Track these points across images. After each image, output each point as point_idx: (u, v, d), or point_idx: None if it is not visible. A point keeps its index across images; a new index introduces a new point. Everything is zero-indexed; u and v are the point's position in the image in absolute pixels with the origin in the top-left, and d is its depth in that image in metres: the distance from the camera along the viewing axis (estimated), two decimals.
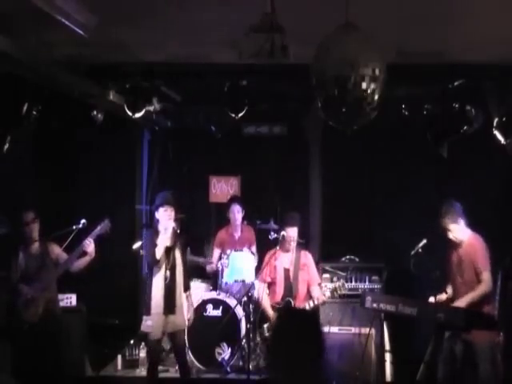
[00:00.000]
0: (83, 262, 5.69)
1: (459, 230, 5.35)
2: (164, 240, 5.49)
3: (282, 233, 6.14)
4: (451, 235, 5.36)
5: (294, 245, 6.23)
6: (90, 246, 5.63)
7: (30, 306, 5.54)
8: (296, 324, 2.41)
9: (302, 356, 2.30)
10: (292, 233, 6.15)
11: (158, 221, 5.58)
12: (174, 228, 5.56)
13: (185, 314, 5.66)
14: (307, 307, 5.91)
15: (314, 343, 2.36)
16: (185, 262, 5.73)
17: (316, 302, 5.92)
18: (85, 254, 5.67)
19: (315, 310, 5.87)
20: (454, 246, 5.45)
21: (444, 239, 5.50)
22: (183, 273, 5.66)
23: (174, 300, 5.53)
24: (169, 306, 5.49)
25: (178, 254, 5.63)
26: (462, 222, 5.34)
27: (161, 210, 5.53)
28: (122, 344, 7.01)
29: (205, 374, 6.59)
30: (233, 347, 6.58)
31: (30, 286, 5.58)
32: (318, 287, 6.17)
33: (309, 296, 6.17)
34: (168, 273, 5.51)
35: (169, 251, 5.55)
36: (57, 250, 5.77)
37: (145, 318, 5.53)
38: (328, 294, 5.87)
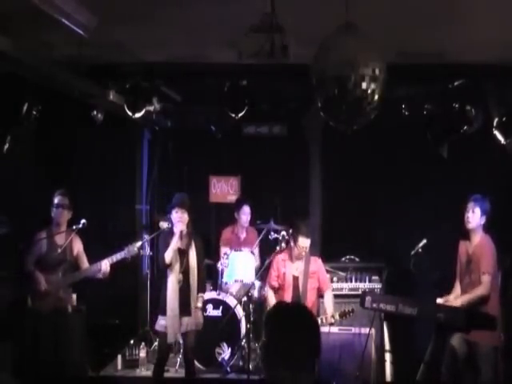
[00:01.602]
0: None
1: (477, 225, 5.36)
2: (174, 243, 5.49)
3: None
4: (469, 226, 5.36)
5: (304, 255, 5.93)
6: (106, 268, 5.56)
7: (40, 299, 5.46)
8: (292, 318, 2.35)
9: (300, 350, 2.26)
10: (305, 243, 5.83)
11: (171, 223, 5.59)
12: (181, 231, 5.53)
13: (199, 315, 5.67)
14: None
15: (312, 336, 2.32)
16: (200, 265, 5.68)
17: (324, 322, 5.82)
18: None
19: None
20: (464, 242, 5.46)
21: (452, 235, 5.52)
22: (198, 275, 5.62)
23: (188, 302, 5.54)
24: (184, 309, 5.51)
25: (192, 256, 5.61)
26: (483, 220, 5.36)
27: (173, 212, 5.55)
28: (122, 344, 7.00)
29: (205, 374, 6.58)
30: (233, 347, 6.58)
31: (47, 278, 5.48)
32: (331, 293, 6.05)
33: (318, 304, 6.11)
34: (181, 276, 5.51)
35: (182, 254, 5.55)
36: (79, 249, 5.71)
37: (160, 317, 5.56)
38: (337, 317, 5.80)
